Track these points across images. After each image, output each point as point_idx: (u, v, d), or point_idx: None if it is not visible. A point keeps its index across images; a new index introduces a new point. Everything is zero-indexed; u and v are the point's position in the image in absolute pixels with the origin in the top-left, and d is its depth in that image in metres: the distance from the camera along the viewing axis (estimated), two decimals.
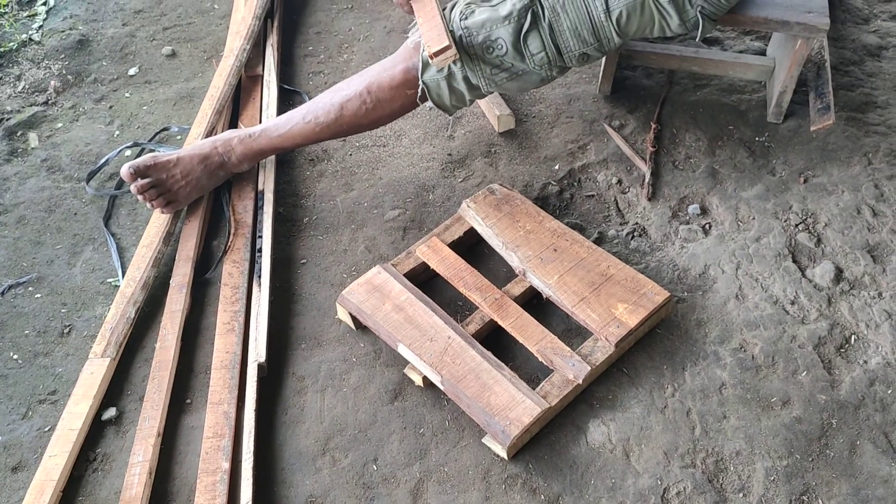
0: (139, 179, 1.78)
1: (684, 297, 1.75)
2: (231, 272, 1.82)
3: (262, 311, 1.73)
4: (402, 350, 1.61)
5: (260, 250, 1.84)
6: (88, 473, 1.52)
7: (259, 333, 1.69)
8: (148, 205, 1.84)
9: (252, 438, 1.53)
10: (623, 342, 1.60)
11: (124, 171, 1.79)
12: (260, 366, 1.64)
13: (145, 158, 1.80)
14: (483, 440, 1.52)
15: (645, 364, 1.64)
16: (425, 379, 1.59)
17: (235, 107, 2.24)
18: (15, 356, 1.70)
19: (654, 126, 2.07)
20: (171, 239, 1.89)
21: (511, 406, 1.50)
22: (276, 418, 1.59)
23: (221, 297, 1.77)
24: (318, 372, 1.66)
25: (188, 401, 1.64)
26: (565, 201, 1.97)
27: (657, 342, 1.67)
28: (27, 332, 1.74)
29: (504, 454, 1.48)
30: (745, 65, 2.10)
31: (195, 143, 1.94)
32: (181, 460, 1.55)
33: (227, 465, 1.51)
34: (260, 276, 1.79)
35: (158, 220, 1.89)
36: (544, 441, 1.53)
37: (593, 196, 1.98)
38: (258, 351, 1.66)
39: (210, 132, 2.08)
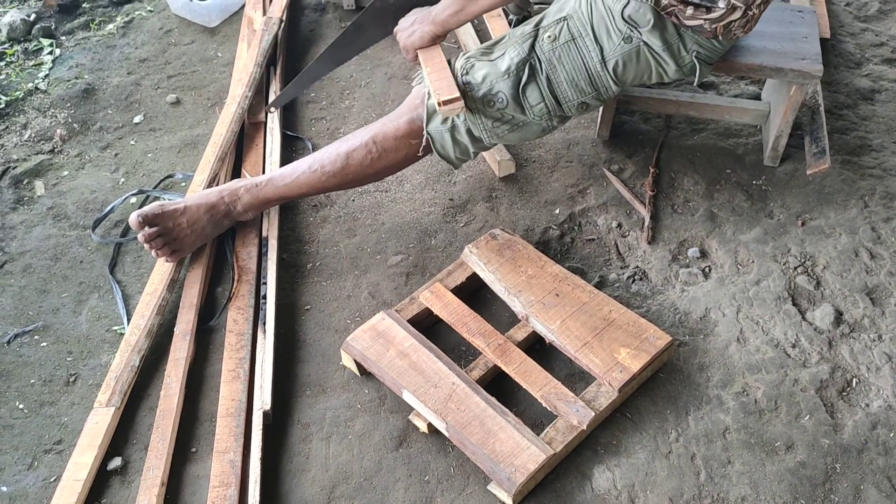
0: (147, 228, 1.79)
1: (686, 341, 1.75)
2: (236, 319, 1.83)
3: (266, 357, 1.73)
4: (407, 397, 1.61)
5: (264, 297, 1.85)
6: None
7: (264, 380, 1.69)
8: (153, 253, 1.85)
9: (258, 488, 1.52)
10: (626, 387, 1.61)
11: (133, 219, 1.81)
12: (265, 413, 1.64)
13: (153, 207, 1.81)
14: (489, 487, 1.52)
15: (648, 409, 1.64)
16: (430, 426, 1.60)
17: (239, 153, 2.26)
18: (21, 405, 1.70)
19: (652, 170, 2.10)
20: (175, 286, 1.90)
21: (516, 453, 1.50)
22: (281, 466, 1.59)
23: (226, 345, 1.78)
24: (322, 419, 1.66)
25: (193, 449, 1.63)
26: (566, 245, 1.98)
27: (660, 386, 1.68)
28: (33, 381, 1.75)
29: (509, 501, 1.48)
30: (740, 109, 2.13)
31: (201, 191, 1.96)
32: None
33: None
34: (265, 323, 1.80)
35: (163, 268, 1.90)
36: (549, 487, 1.53)
37: (594, 240, 1.99)
38: (263, 398, 1.66)
39: (213, 179, 2.10)
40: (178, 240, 1.84)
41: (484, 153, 2.19)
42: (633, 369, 1.61)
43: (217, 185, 2.05)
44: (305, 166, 1.86)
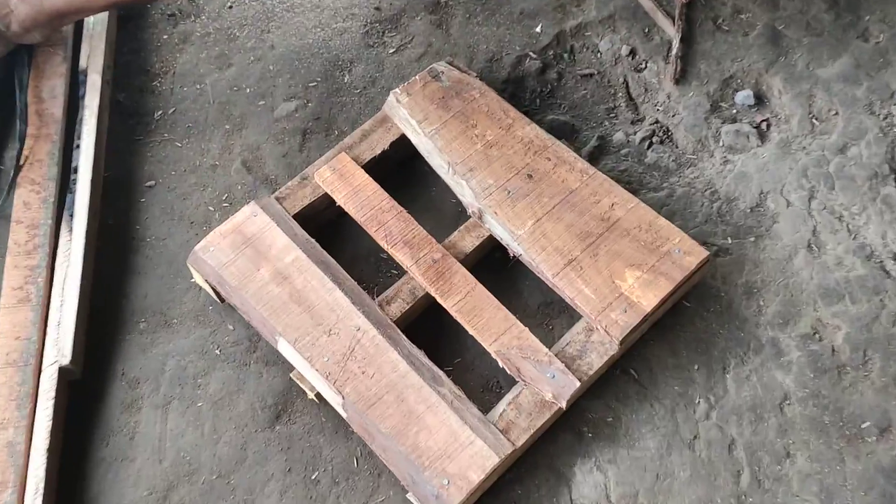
0: None
1: (727, 246, 1.15)
2: (28, 202, 1.23)
3: (72, 274, 1.13)
4: (284, 349, 1.03)
5: (76, 169, 1.21)
6: None
7: (65, 316, 1.10)
8: None
9: (40, 497, 0.97)
10: (632, 334, 1.02)
11: None
12: (64, 370, 1.06)
13: None
14: (408, 496, 0.97)
15: (664, 361, 1.07)
16: (320, 395, 1.03)
17: None
18: None
19: None
20: None
21: (451, 451, 0.95)
22: (91, 451, 1.06)
23: (11, 245, 1.17)
24: (160, 372, 1.10)
25: None
26: (550, 85, 1.32)
27: (684, 323, 1.11)
28: None
29: None
30: None
31: None
32: None
33: None
34: (73, 214, 1.17)
35: None
36: (505, 497, 0.99)
37: (592, 76, 1.33)
38: (61, 344, 1.08)
39: None
40: None
41: None
42: (644, 306, 1.02)
43: None
44: None
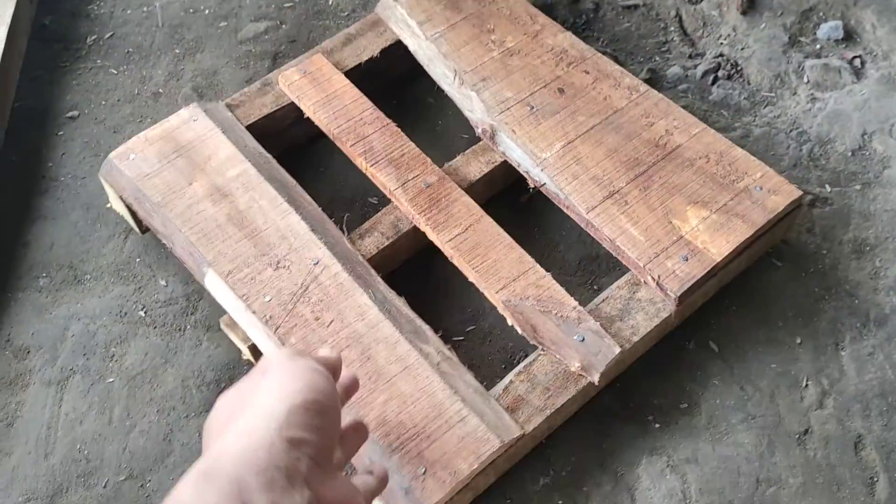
0: None
1: (825, 195, 0.89)
2: None
3: None
4: (213, 283, 0.77)
5: None
6: None
7: None
8: None
9: None
10: (695, 293, 0.75)
11: None
12: None
13: None
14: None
15: (754, 333, 0.81)
16: (255, 347, 0.75)
17: None
18: None
19: None
20: None
21: (433, 429, 0.70)
22: None
23: None
24: (60, 340, 0.82)
25: None
26: (585, 15, 1.09)
27: (777, 286, 0.84)
28: None
29: None
30: None
31: None
32: None
33: None
34: None
35: None
36: (539, 498, 0.70)
37: (637, 7, 1.09)
38: None
39: None
40: None
41: None
42: (713, 255, 0.75)
43: None
44: None
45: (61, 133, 0.99)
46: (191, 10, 1.09)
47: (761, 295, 0.83)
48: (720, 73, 1.03)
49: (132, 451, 0.75)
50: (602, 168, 0.82)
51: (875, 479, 0.72)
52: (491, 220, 0.80)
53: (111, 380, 0.80)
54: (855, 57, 1.04)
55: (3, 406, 0.78)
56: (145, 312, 0.84)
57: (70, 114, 1.00)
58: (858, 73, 1.02)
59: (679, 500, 0.71)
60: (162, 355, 0.81)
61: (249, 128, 0.88)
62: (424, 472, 0.66)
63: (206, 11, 1.09)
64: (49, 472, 0.74)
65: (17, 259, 0.88)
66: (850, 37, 1.06)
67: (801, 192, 0.81)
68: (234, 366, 0.80)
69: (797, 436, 0.75)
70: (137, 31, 1.08)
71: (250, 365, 0.79)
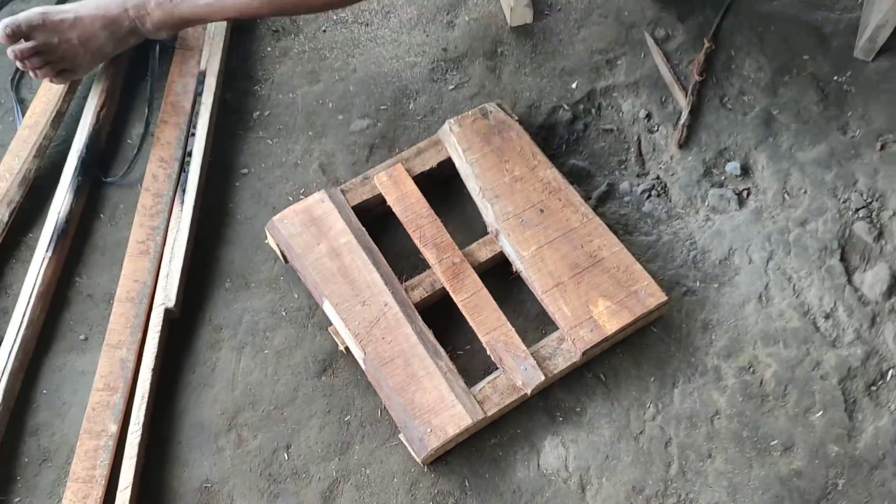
0: (21, 42, 1.48)
1: (695, 289, 1.50)
2: (156, 174, 1.58)
3: (180, 237, 1.50)
4: (328, 309, 1.41)
5: (190, 153, 1.59)
6: None
7: (172, 267, 1.48)
8: (31, 73, 1.52)
9: (144, 405, 1.36)
10: (593, 350, 1.38)
11: None
12: (168, 311, 1.44)
13: (32, 15, 1.46)
14: (399, 436, 1.35)
15: (628, 371, 1.42)
16: (348, 349, 1.40)
17: None
18: None
19: (707, 44, 1.72)
20: (61, 120, 1.63)
21: (437, 409, 1.31)
22: (181, 375, 1.42)
23: (139, 207, 1.55)
24: (238, 323, 1.47)
25: (83, 336, 1.46)
26: (576, 134, 1.67)
27: (649, 344, 1.45)
28: None
29: (419, 461, 1.32)
30: None
31: None
32: (64, 412, 1.39)
33: (115, 428, 1.36)
34: (185, 190, 1.55)
35: (49, 93, 1.61)
36: (489, 455, 1.36)
37: (612, 131, 1.67)
38: (168, 291, 1.45)
39: None
40: (66, 59, 1.52)
41: None
42: (606, 330, 1.37)
43: None
44: None
45: (238, 184, 1.62)
46: (320, 102, 1.70)
47: (639, 348, 1.46)
48: (653, 192, 1.61)
49: (277, 393, 1.42)
50: (555, 266, 1.44)
51: (671, 464, 1.37)
52: (487, 291, 1.42)
53: (266, 351, 1.46)
54: (744, 189, 1.62)
55: (208, 359, 1.45)
56: (285, 313, 1.49)
57: (242, 170, 1.63)
58: (742, 203, 1.60)
59: (562, 461, 1.36)
60: (294, 341, 1.47)
61: (353, 207, 1.51)
62: (430, 431, 1.32)
63: (330, 105, 1.70)
64: (234, 399, 1.42)
65: (213, 268, 1.53)
66: (746, 173, 1.64)
67: (666, 297, 1.42)
68: (334, 353, 1.45)
69: (635, 435, 1.38)
70: (285, 113, 1.69)
71: (345, 355, 1.44)
